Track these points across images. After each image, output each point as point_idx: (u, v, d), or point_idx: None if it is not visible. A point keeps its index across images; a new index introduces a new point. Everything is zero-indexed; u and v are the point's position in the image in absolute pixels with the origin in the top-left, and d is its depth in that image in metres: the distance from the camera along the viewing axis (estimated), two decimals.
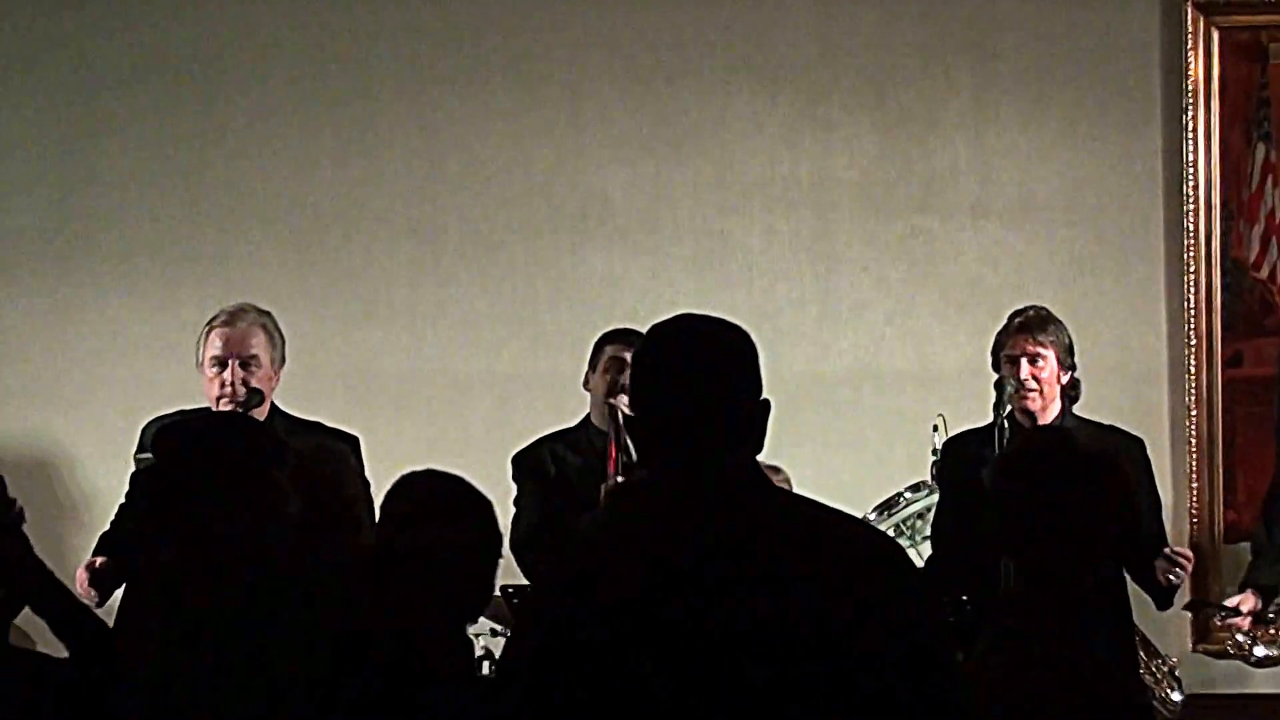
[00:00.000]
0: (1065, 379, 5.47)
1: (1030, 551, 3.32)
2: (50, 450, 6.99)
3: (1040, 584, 3.29)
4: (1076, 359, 5.65)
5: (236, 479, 3.51)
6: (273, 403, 5.49)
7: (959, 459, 5.43)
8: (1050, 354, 5.44)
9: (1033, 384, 5.40)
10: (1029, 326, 5.49)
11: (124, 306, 6.89)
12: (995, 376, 5.47)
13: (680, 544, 2.69)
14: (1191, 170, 6.61)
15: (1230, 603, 5.96)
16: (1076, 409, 5.56)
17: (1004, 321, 5.56)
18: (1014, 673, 3.20)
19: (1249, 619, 5.93)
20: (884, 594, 2.68)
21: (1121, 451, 5.19)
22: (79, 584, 5.02)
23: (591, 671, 2.67)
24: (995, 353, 5.50)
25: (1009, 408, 5.38)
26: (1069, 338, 5.51)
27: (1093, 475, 3.40)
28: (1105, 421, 5.52)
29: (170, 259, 6.89)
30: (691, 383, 2.75)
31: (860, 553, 2.74)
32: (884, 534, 3.03)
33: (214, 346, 5.43)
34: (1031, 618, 3.29)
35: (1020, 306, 5.60)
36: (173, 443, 3.67)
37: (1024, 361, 5.42)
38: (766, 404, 2.78)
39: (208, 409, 5.42)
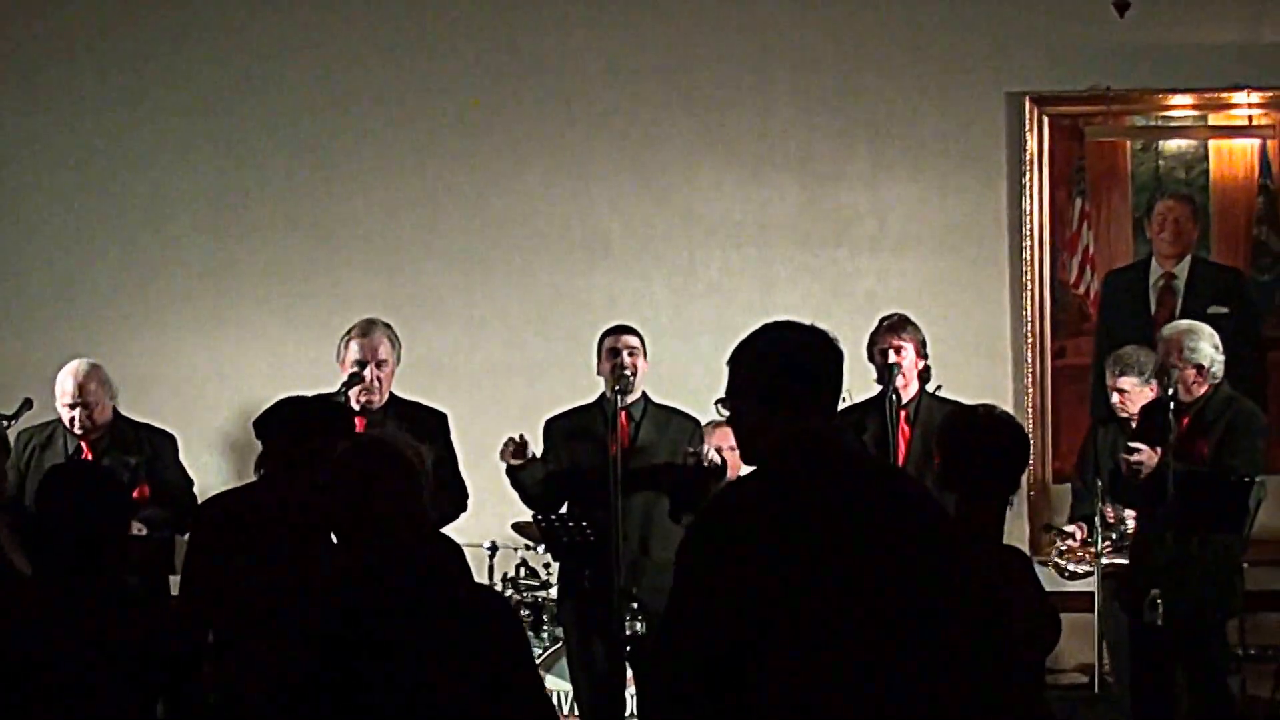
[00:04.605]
0: (920, 365, 6.07)
1: None
2: (211, 428, 7.42)
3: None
4: (940, 349, 6.22)
5: None
6: (391, 390, 6.01)
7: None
8: (909, 346, 6.03)
9: (897, 368, 6.00)
10: (894, 327, 6.06)
11: (264, 320, 7.55)
12: (878, 365, 6.04)
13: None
14: (1028, 216, 7.38)
15: (1068, 529, 6.77)
16: (931, 387, 6.20)
17: (875, 324, 6.13)
18: None
19: (1080, 542, 6.71)
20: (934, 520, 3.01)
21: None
22: None
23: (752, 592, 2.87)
24: (870, 347, 6.09)
25: (895, 386, 5.99)
26: (923, 335, 6.09)
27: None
28: (954, 397, 5.96)
29: (298, 284, 7.53)
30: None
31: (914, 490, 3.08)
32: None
33: (354, 352, 5.90)
34: None
35: (887, 313, 6.19)
36: None
37: (891, 352, 6.00)
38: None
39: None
